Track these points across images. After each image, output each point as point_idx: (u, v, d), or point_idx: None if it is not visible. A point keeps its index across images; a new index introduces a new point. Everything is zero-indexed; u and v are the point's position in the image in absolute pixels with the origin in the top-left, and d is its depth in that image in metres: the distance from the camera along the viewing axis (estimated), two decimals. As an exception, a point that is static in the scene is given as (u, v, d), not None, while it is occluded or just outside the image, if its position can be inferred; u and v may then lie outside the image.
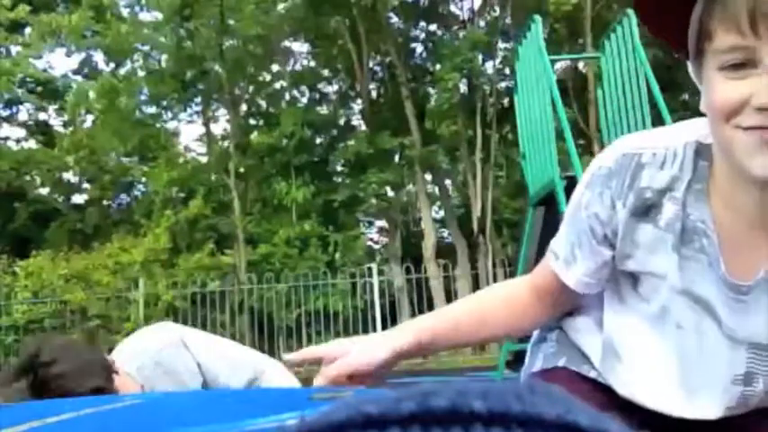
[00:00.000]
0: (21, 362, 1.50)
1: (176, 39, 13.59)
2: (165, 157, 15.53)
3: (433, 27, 15.83)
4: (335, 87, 16.97)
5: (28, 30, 15.24)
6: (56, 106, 17.67)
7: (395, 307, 13.00)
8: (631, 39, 5.44)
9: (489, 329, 1.12)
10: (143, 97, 15.12)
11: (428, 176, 15.36)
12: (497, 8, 14.98)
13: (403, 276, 13.17)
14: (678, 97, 13.34)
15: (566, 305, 1.13)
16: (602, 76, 6.22)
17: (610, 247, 1.01)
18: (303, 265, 12.92)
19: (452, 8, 15.50)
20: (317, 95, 16.89)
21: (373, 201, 14.57)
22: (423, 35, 16.01)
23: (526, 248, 6.13)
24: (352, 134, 15.62)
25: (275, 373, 1.95)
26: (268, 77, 16.24)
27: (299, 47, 16.61)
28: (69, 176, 17.33)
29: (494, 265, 13.45)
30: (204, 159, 16.38)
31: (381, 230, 16.82)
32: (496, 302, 1.11)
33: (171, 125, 16.49)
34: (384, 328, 11.83)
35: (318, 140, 15.68)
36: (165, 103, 15.20)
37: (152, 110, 15.60)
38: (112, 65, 16.13)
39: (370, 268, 12.49)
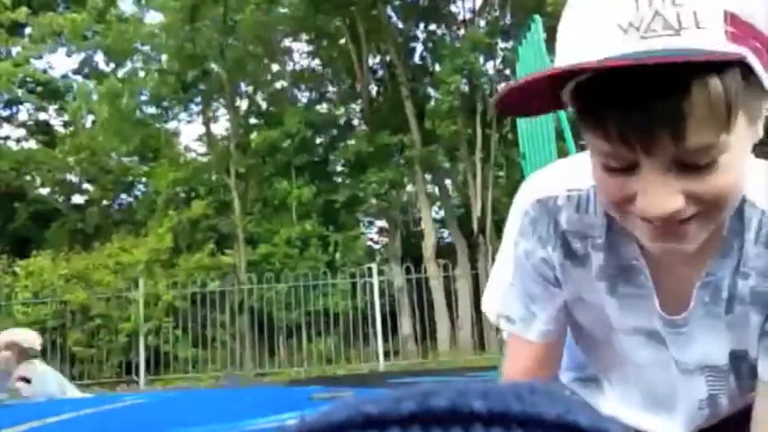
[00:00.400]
0: None
1: (178, 39, 13.59)
2: (166, 157, 15.54)
3: (432, 27, 15.84)
4: (335, 87, 16.98)
5: (28, 30, 15.24)
6: (56, 106, 17.68)
7: (395, 307, 13.01)
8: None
9: None
10: (143, 97, 15.13)
11: (428, 176, 15.36)
12: (497, 8, 14.99)
13: (403, 276, 13.18)
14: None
15: (559, 352, 1.11)
16: None
17: (562, 290, 1.01)
18: (303, 266, 12.92)
19: (452, 8, 15.52)
20: (318, 95, 16.90)
21: (373, 201, 14.57)
22: (423, 35, 16.02)
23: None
24: (352, 134, 15.62)
25: None
26: (268, 77, 16.25)
27: (300, 47, 16.64)
28: (70, 176, 17.34)
29: (494, 265, 13.44)
30: (204, 159, 16.39)
31: (381, 230, 16.83)
32: None
33: (171, 125, 16.51)
34: (384, 328, 11.84)
35: (318, 140, 15.68)
36: (165, 103, 15.20)
37: (152, 110, 15.61)
38: (113, 65, 16.14)
39: (370, 268, 12.49)
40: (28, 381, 4.54)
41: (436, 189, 15.91)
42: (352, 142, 14.98)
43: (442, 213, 16.40)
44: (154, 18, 14.85)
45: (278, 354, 12.70)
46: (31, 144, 17.57)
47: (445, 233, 16.23)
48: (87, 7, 13.97)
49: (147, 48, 14.60)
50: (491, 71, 14.72)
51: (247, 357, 12.32)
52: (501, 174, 15.21)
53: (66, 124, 17.43)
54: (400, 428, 0.25)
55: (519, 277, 1.02)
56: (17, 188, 15.93)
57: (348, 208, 14.71)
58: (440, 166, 15.15)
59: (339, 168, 15.76)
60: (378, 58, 15.92)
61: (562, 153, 5.60)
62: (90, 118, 16.36)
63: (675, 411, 1.06)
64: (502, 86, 0.84)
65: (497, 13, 15.01)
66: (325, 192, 14.48)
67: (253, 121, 16.58)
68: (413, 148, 14.08)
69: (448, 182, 16.12)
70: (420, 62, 15.94)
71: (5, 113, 17.66)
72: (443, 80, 13.34)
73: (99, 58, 16.31)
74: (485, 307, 1.24)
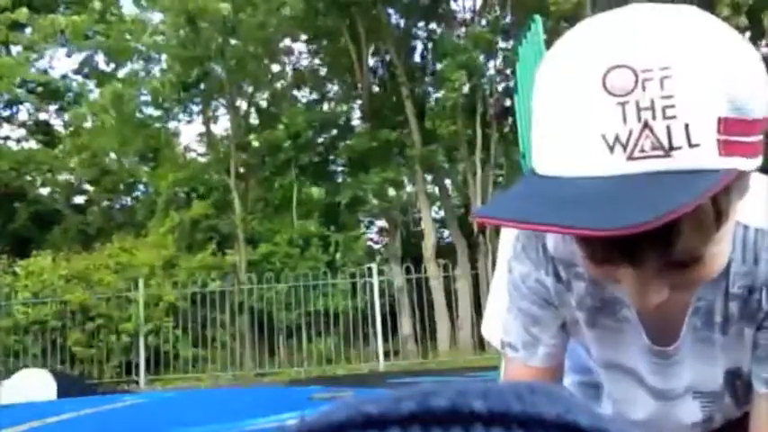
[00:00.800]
0: None
1: (179, 40, 13.59)
2: (166, 157, 15.55)
3: (432, 26, 15.84)
4: (336, 87, 16.98)
5: (28, 30, 15.24)
6: (56, 106, 17.69)
7: (395, 307, 13.01)
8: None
9: None
10: (143, 98, 15.12)
11: (428, 176, 15.36)
12: (498, 8, 14.99)
13: (403, 276, 13.18)
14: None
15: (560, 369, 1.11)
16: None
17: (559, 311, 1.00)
18: (303, 265, 12.92)
19: (453, 6, 15.52)
20: (318, 95, 16.91)
21: (374, 201, 14.58)
22: (423, 34, 16.02)
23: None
24: (353, 134, 15.63)
25: None
26: (268, 77, 16.25)
27: (300, 46, 16.63)
28: (70, 177, 17.35)
29: (494, 265, 13.42)
30: (204, 159, 16.40)
31: (381, 230, 16.83)
32: None
33: (171, 125, 16.51)
34: (384, 328, 11.85)
35: (319, 140, 15.68)
36: (166, 104, 15.20)
37: (152, 110, 15.61)
38: (113, 65, 16.14)
39: (370, 268, 12.50)
40: None
41: (436, 189, 15.92)
42: (352, 142, 14.99)
43: (442, 213, 16.40)
44: (155, 18, 14.85)
45: (278, 354, 12.70)
46: (32, 144, 17.58)
47: (445, 233, 16.24)
48: (88, 8, 13.97)
49: (148, 45, 14.59)
50: (491, 71, 14.73)
51: (247, 357, 12.33)
52: (501, 174, 15.21)
53: (66, 125, 17.44)
54: (400, 428, 0.25)
55: (517, 300, 1.01)
56: (17, 188, 15.93)
57: (350, 208, 14.72)
58: (440, 166, 15.15)
59: (340, 168, 15.77)
60: (378, 58, 15.92)
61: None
62: (90, 119, 16.35)
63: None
64: (486, 206, 0.80)
65: (498, 13, 15.01)
66: (326, 191, 14.48)
67: (253, 121, 16.58)
68: (413, 148, 14.09)
69: (448, 182, 16.13)
70: (420, 61, 15.95)
71: (5, 113, 17.67)
72: (447, 77, 13.31)
73: (99, 58, 16.33)
74: (485, 333, 1.24)
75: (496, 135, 14.16)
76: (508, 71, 14.12)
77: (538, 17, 5.91)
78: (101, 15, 13.98)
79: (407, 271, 12.88)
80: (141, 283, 11.99)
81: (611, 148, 0.63)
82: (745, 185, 0.72)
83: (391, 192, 14.95)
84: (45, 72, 16.61)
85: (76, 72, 17.09)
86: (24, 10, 13.70)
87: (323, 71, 16.92)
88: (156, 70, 14.99)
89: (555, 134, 0.67)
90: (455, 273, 13.27)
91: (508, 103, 13.97)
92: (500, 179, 15.08)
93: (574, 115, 0.65)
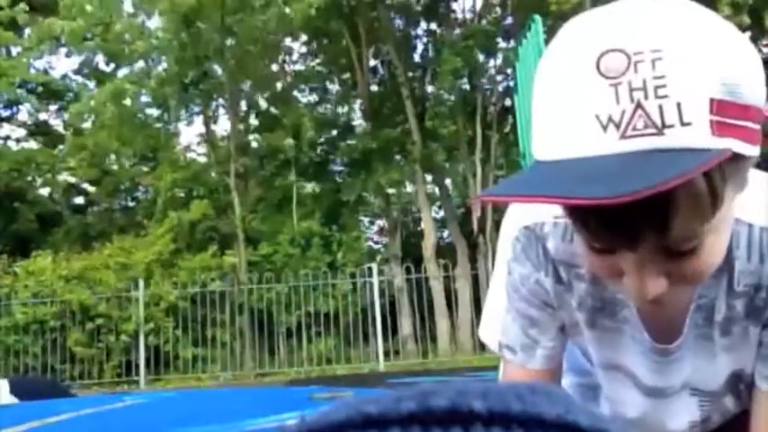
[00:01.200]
0: None
1: (178, 42, 13.57)
2: (166, 158, 15.54)
3: (433, 26, 15.84)
4: (336, 87, 16.98)
5: (28, 30, 15.23)
6: (56, 107, 17.69)
7: (395, 307, 13.01)
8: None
9: None
10: (143, 99, 15.11)
11: (428, 176, 15.36)
12: (498, 9, 14.99)
13: (403, 276, 13.18)
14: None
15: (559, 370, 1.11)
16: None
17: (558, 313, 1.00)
18: (304, 266, 12.92)
19: (453, 7, 15.52)
20: (318, 95, 16.91)
21: (375, 201, 14.59)
22: (423, 34, 16.02)
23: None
24: (353, 134, 15.63)
25: None
26: (268, 77, 16.24)
27: (299, 47, 16.63)
28: (70, 178, 17.35)
29: (494, 266, 13.43)
30: (204, 159, 16.40)
31: (381, 230, 16.83)
32: None
33: (171, 125, 16.48)
34: (384, 328, 11.85)
35: (320, 140, 15.68)
36: (166, 105, 15.19)
37: (152, 111, 15.60)
38: (113, 65, 16.13)
39: (370, 268, 12.50)
40: None
41: (436, 189, 15.92)
42: (352, 142, 14.98)
43: (442, 213, 16.40)
44: (153, 22, 14.85)
45: (278, 354, 12.70)
46: (32, 144, 17.59)
47: (445, 233, 16.24)
48: (88, 14, 13.92)
49: (146, 50, 14.59)
50: (491, 71, 14.73)
51: (247, 357, 12.32)
52: (501, 174, 15.21)
53: (66, 125, 17.44)
54: (400, 428, 0.25)
55: (516, 302, 1.01)
56: (17, 189, 15.93)
57: (352, 208, 14.71)
58: (440, 166, 15.15)
59: (340, 168, 15.76)
60: (378, 58, 15.92)
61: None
62: (90, 118, 16.35)
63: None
64: (488, 190, 0.81)
65: (498, 14, 15.01)
66: (327, 191, 14.48)
67: (253, 121, 16.59)
68: (413, 148, 14.09)
69: (448, 182, 16.13)
70: (420, 62, 15.95)
71: (5, 113, 17.68)
72: (447, 78, 13.29)
73: (99, 58, 16.32)
74: (483, 335, 1.23)
75: (496, 135, 14.17)
76: (508, 71, 14.13)
77: (538, 17, 5.92)
78: (98, 19, 13.95)
79: (407, 271, 12.88)
80: (141, 283, 11.99)
81: (605, 128, 0.64)
82: (743, 176, 0.72)
83: (392, 192, 14.96)
84: (45, 72, 16.62)
85: (76, 72, 17.11)
86: (22, 5, 13.64)
87: (323, 71, 16.92)
88: (156, 71, 14.99)
89: (552, 120, 0.69)
90: (455, 273, 13.26)
91: (508, 102, 13.98)
92: (500, 179, 15.07)
93: (569, 99, 0.67)
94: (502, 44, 14.59)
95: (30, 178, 16.64)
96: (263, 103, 16.58)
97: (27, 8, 13.77)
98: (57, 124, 18.07)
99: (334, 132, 15.82)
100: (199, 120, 16.37)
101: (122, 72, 15.71)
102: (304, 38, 16.17)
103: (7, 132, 17.70)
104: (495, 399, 0.26)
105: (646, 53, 0.64)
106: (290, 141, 14.09)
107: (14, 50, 15.83)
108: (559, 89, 0.68)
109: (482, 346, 12.98)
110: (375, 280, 12.10)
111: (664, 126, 0.63)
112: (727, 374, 0.96)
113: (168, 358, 12.01)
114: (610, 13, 0.69)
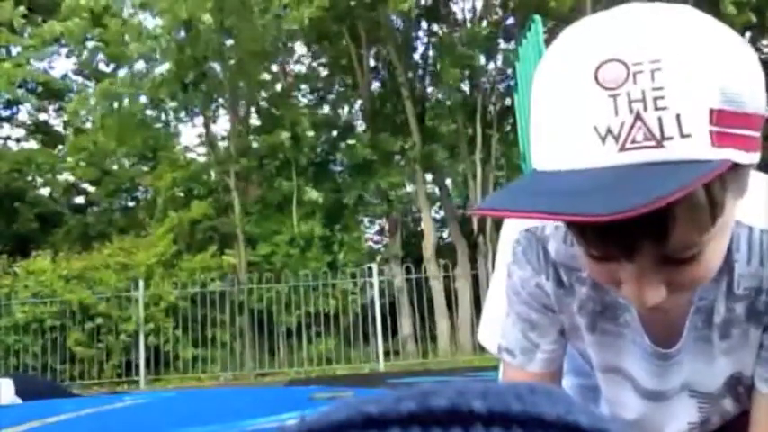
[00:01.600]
0: None
1: (177, 43, 13.57)
2: (166, 158, 15.55)
3: (434, 27, 15.84)
4: (336, 87, 16.98)
5: (28, 30, 15.23)
6: (56, 106, 17.69)
7: (395, 307, 13.01)
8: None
9: None
10: (143, 99, 15.11)
11: (428, 176, 15.36)
12: (499, 9, 14.99)
13: (403, 276, 13.18)
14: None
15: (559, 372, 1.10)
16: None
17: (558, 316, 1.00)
18: (305, 266, 12.92)
19: (453, 7, 15.51)
20: (318, 95, 16.90)
21: (376, 202, 14.59)
22: (423, 34, 16.01)
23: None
24: (353, 135, 15.63)
25: None
26: (268, 77, 16.24)
27: (299, 47, 16.63)
28: (70, 178, 17.35)
29: (494, 266, 13.42)
30: (204, 159, 16.40)
31: (381, 230, 16.84)
32: None
33: (171, 125, 16.49)
34: (384, 328, 11.85)
35: (320, 140, 15.68)
36: (165, 105, 15.19)
37: (152, 111, 15.60)
38: (113, 65, 16.13)
39: (370, 268, 12.50)
40: None
41: (436, 189, 15.92)
42: (352, 142, 14.97)
43: (441, 213, 16.40)
44: (152, 18, 14.84)
45: (278, 354, 12.70)
46: (32, 144, 17.59)
47: (445, 233, 16.24)
48: (86, 15, 13.91)
49: (146, 50, 14.58)
50: (491, 71, 14.72)
51: (247, 357, 12.32)
52: (501, 174, 15.22)
53: (66, 125, 17.44)
54: (400, 428, 0.25)
55: (516, 305, 1.00)
56: (18, 189, 15.94)
57: (353, 209, 14.71)
58: (440, 165, 15.15)
59: (341, 169, 15.76)
60: (379, 58, 15.91)
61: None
62: (89, 118, 16.36)
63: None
64: (486, 200, 0.80)
65: (498, 16, 15.01)
66: (328, 192, 14.47)
67: (253, 121, 16.58)
68: (413, 149, 14.09)
69: (448, 182, 16.13)
70: (420, 62, 15.95)
71: (5, 113, 17.68)
72: (447, 77, 13.29)
73: (99, 58, 16.32)
74: (482, 339, 1.23)
75: (496, 135, 14.17)
76: (508, 71, 14.13)
77: (538, 17, 5.92)
78: (98, 18, 13.93)
79: (407, 271, 12.88)
80: (141, 283, 11.99)
81: (603, 140, 0.63)
82: (744, 182, 0.71)
83: (392, 193, 14.95)
84: (45, 72, 16.62)
85: (76, 72, 17.11)
86: (21, 8, 13.64)
87: (323, 71, 16.92)
88: (156, 70, 14.99)
89: (550, 130, 0.68)
90: (455, 273, 13.26)
91: (508, 102, 13.98)
92: (500, 179, 15.08)
93: (567, 110, 0.66)
94: (502, 44, 14.59)
95: (30, 178, 16.64)
96: (263, 104, 16.58)
97: (26, 11, 13.77)
98: (57, 124, 18.09)
99: (335, 133, 15.82)
100: (199, 120, 16.39)
101: (122, 72, 15.73)
102: (303, 39, 16.17)
103: (7, 132, 17.72)
104: (495, 399, 0.26)
105: (645, 64, 0.63)
106: (289, 141, 14.08)
107: (14, 50, 15.83)
108: (558, 99, 0.67)
109: (482, 347, 12.96)
110: (375, 280, 12.11)
111: (663, 138, 0.62)
112: (726, 377, 0.96)
113: (168, 358, 12.02)
114: (609, 21, 0.68)
